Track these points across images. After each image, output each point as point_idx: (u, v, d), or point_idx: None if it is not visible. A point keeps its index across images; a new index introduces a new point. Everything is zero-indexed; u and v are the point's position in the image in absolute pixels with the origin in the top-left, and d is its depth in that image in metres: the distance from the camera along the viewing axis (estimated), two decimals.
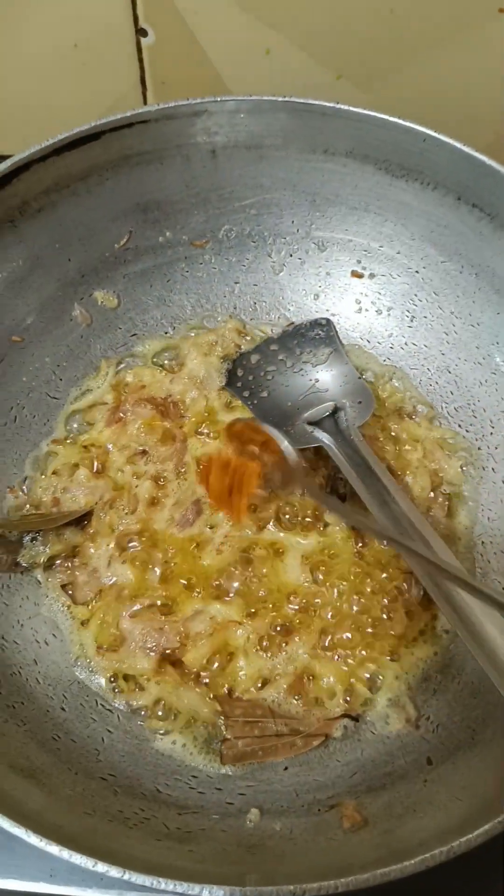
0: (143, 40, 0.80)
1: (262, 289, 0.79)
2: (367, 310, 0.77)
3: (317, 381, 0.73)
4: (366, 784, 0.57)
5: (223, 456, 0.62)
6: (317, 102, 0.67)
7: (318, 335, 0.75)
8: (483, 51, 0.76)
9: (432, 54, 0.78)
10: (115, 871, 0.43)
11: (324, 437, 0.68)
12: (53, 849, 0.43)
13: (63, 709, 0.60)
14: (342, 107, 0.67)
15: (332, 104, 0.67)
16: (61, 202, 0.69)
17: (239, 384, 0.73)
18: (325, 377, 0.73)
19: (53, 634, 0.64)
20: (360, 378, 0.73)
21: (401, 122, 0.65)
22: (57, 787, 0.53)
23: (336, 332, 0.75)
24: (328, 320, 0.76)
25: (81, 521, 0.67)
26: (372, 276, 0.77)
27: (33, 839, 0.44)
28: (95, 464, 0.70)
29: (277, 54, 0.80)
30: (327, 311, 0.78)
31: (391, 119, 0.66)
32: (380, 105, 0.81)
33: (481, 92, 0.80)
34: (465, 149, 0.64)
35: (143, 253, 0.76)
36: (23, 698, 0.59)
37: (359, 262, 0.76)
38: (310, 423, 0.69)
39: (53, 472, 0.70)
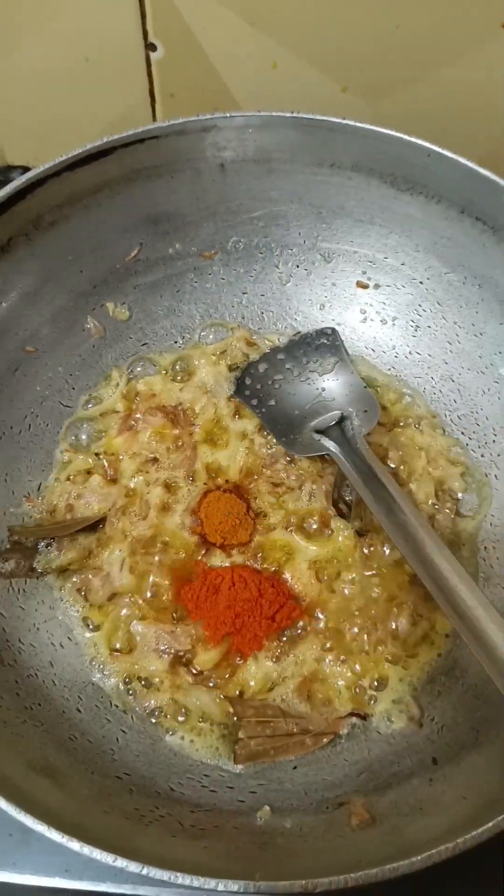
0: (152, 55, 0.82)
1: (269, 299, 0.80)
2: (371, 320, 0.79)
3: (323, 389, 0.74)
4: (373, 783, 0.58)
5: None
6: (323, 118, 0.69)
7: (324, 344, 0.77)
8: (486, 66, 0.77)
9: (436, 69, 0.79)
10: (133, 867, 0.44)
11: (330, 445, 0.69)
12: (74, 845, 0.45)
13: (79, 710, 0.62)
14: (348, 122, 0.68)
15: (338, 119, 0.68)
16: (74, 216, 0.70)
17: (247, 392, 0.75)
18: (331, 386, 0.74)
19: (68, 637, 0.66)
20: (365, 387, 0.74)
21: (405, 137, 0.67)
22: (75, 786, 0.54)
23: (342, 341, 0.77)
24: (334, 330, 0.78)
25: (95, 526, 0.69)
26: (377, 286, 0.78)
27: (55, 835, 0.45)
28: (108, 471, 0.72)
29: (284, 68, 0.82)
30: (333, 320, 0.79)
31: (395, 134, 0.67)
32: (385, 118, 0.84)
33: (484, 106, 0.81)
34: (468, 163, 0.66)
35: (154, 264, 0.77)
36: (40, 700, 0.61)
37: (364, 273, 0.78)
38: (317, 432, 0.71)
39: (67, 479, 0.72)
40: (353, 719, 0.62)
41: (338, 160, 0.72)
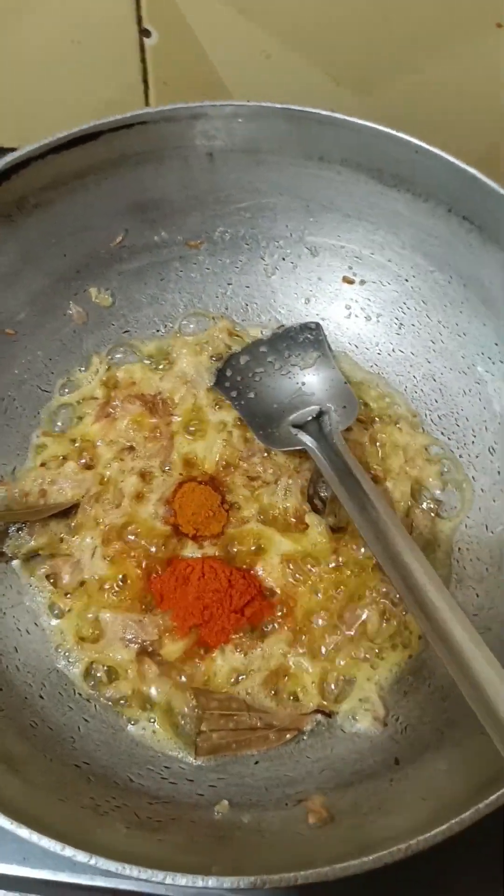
0: (146, 41, 0.81)
1: (253, 291, 0.80)
2: (356, 315, 0.79)
3: (303, 384, 0.74)
4: (334, 781, 0.58)
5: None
6: (313, 110, 0.68)
7: (307, 338, 0.76)
8: (480, 62, 0.77)
9: (430, 63, 0.79)
10: (81, 856, 0.44)
11: (307, 440, 0.69)
12: (24, 832, 0.45)
13: (41, 696, 0.61)
14: (337, 115, 0.68)
15: (327, 112, 0.68)
16: (59, 199, 0.70)
17: (227, 384, 0.74)
18: (311, 380, 0.74)
19: (35, 624, 0.65)
20: (345, 383, 0.74)
21: (393, 132, 0.66)
22: (32, 774, 0.54)
23: (325, 336, 0.77)
24: (317, 324, 0.77)
25: (68, 513, 0.69)
26: (363, 282, 0.78)
27: (3, 821, 0.45)
28: (84, 457, 0.71)
29: (277, 59, 0.81)
30: (317, 315, 0.79)
31: (384, 129, 0.67)
32: (376, 110, 0.83)
33: (477, 102, 0.81)
34: (456, 161, 0.65)
35: (139, 251, 0.77)
36: (2, 685, 0.60)
37: (350, 268, 0.78)
38: (294, 426, 0.70)
39: (42, 464, 0.71)
40: (318, 716, 0.62)
41: (326, 154, 0.71)
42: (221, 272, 0.79)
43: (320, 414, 0.71)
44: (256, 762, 0.60)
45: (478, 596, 0.66)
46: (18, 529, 0.67)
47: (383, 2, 0.74)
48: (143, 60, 0.83)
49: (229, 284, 0.80)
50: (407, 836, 0.45)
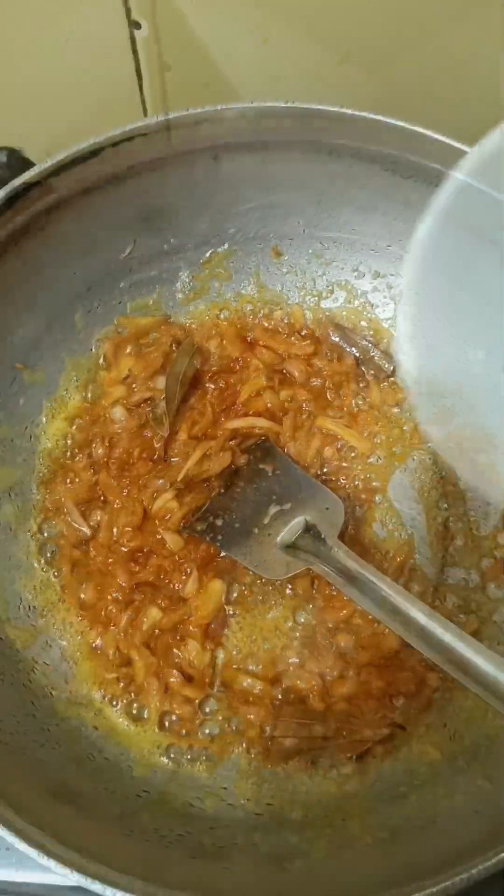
0: (136, 32, 0.77)
1: (266, 290, 0.78)
2: (376, 306, 0.77)
3: (274, 498, 0.69)
4: (389, 793, 0.59)
5: None
6: (320, 107, 0.65)
7: (257, 457, 0.71)
8: (489, 39, 0.73)
9: (436, 39, 0.74)
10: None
11: (308, 558, 0.64)
12: (97, 887, 0.46)
13: (95, 727, 0.63)
14: (346, 111, 0.64)
15: (335, 108, 0.65)
16: (62, 219, 0.68)
17: (203, 529, 0.69)
18: (281, 493, 0.69)
19: (80, 652, 0.67)
20: (314, 480, 0.70)
21: (407, 126, 0.63)
22: (96, 810, 0.56)
23: (273, 446, 0.72)
24: (265, 439, 0.72)
25: None
26: (378, 275, 0.76)
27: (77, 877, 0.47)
28: None
29: (276, 42, 0.77)
30: (332, 309, 0.77)
31: (396, 123, 0.64)
32: (384, 88, 0.80)
33: (484, 79, 0.77)
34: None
35: (147, 261, 0.75)
36: (57, 721, 0.62)
37: (365, 261, 0.76)
38: (287, 547, 0.66)
39: None
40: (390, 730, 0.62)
41: (336, 148, 0.68)
42: (234, 274, 0.77)
43: (307, 527, 0.66)
44: (310, 777, 0.62)
45: None
46: None
47: None
48: (135, 52, 0.80)
49: (241, 284, 0.78)
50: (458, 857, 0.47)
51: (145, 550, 0.68)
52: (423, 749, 0.61)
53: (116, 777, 0.60)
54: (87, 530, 0.69)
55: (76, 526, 0.69)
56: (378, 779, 0.61)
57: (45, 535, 0.70)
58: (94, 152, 0.65)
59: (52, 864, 0.46)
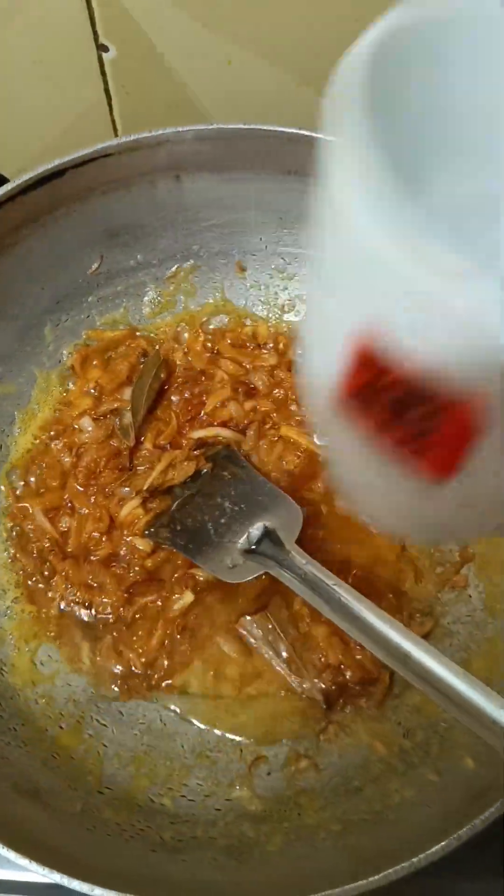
0: (104, 55, 0.80)
1: (230, 304, 0.81)
2: None
3: (236, 504, 0.70)
4: (343, 787, 0.62)
5: None
6: (282, 129, 0.68)
7: (220, 464, 0.73)
8: None
9: None
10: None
11: (267, 564, 0.65)
12: (56, 876, 0.48)
13: (61, 727, 0.65)
14: (304, 132, 0.67)
15: (294, 130, 0.67)
16: (31, 235, 0.70)
17: (166, 536, 0.71)
18: (242, 499, 0.70)
19: (49, 655, 0.69)
20: (275, 487, 0.71)
21: None
22: (59, 805, 0.58)
23: (236, 454, 0.74)
24: (228, 447, 0.74)
25: None
26: None
27: (36, 867, 0.49)
28: None
29: (239, 64, 0.80)
30: (295, 322, 0.80)
31: None
32: None
33: None
34: None
35: (115, 276, 0.77)
36: (23, 720, 0.64)
37: None
38: (246, 552, 0.67)
39: None
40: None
41: (297, 167, 0.71)
42: (199, 288, 0.80)
43: (267, 531, 0.67)
44: (269, 773, 0.64)
45: None
46: None
47: (340, 5, 0.72)
48: (104, 74, 0.82)
49: (205, 300, 0.81)
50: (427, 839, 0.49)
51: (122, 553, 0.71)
52: (374, 745, 0.63)
53: (80, 775, 0.62)
54: (56, 535, 0.71)
55: (45, 529, 0.71)
56: (334, 773, 0.63)
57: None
58: (58, 173, 0.67)
59: (11, 855, 0.49)
